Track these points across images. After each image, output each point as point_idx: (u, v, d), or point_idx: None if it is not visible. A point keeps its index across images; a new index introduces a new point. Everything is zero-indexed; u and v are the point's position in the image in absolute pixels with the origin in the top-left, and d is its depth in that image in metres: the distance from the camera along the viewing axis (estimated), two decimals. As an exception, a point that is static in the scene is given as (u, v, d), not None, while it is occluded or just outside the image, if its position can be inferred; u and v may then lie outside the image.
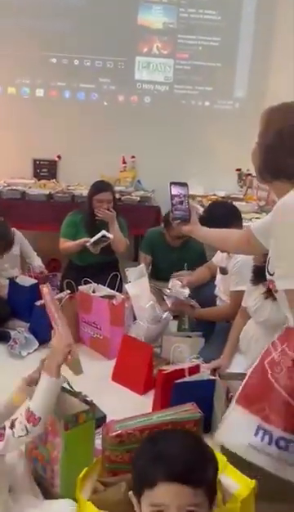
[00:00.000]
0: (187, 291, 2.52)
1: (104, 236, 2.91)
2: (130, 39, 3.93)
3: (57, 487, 1.50)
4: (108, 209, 2.97)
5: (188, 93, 4.07)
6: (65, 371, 1.66)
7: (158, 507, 0.87)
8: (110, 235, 2.91)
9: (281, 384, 1.37)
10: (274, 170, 1.19)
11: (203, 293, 2.66)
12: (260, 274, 1.94)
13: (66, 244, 3.01)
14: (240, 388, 1.45)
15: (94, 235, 2.92)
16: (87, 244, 2.92)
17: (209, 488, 0.90)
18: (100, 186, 3.04)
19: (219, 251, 2.55)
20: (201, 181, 4.01)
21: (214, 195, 3.96)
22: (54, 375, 1.35)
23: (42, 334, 2.66)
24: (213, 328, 2.53)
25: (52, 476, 1.52)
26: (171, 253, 3.01)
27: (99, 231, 2.93)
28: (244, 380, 1.45)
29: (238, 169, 4.03)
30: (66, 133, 3.85)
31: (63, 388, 1.60)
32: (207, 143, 4.02)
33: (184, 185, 1.66)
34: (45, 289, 1.55)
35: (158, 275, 3.07)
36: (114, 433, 1.26)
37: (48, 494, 1.52)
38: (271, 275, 1.25)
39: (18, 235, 3.14)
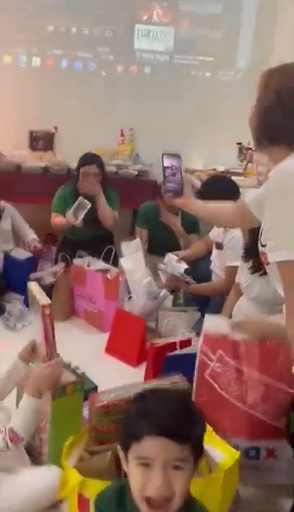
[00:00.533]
0: (183, 266, 2.50)
1: (81, 202, 2.85)
2: (129, 6, 3.79)
3: (45, 456, 1.52)
4: (93, 183, 2.91)
5: (188, 63, 3.95)
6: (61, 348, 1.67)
7: (144, 460, 0.88)
8: (87, 203, 2.83)
9: (233, 396, 1.39)
10: (272, 134, 1.14)
11: (199, 268, 2.64)
12: (251, 250, 1.92)
13: (56, 219, 2.98)
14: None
15: (78, 208, 2.87)
16: (68, 215, 2.85)
17: (195, 446, 0.91)
18: (86, 159, 2.99)
19: (215, 226, 2.52)
20: (200, 156, 3.94)
21: (213, 169, 3.88)
22: (36, 395, 1.36)
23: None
24: (207, 303, 2.53)
25: (40, 445, 1.54)
26: (166, 226, 2.98)
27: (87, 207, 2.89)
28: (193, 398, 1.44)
29: (239, 143, 3.95)
30: (63, 104, 3.75)
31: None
32: (207, 116, 3.93)
33: (177, 156, 1.61)
34: (46, 310, 1.40)
35: (155, 249, 3.04)
36: (100, 404, 1.27)
37: (37, 462, 1.54)
38: (263, 246, 1.23)
39: (9, 208, 3.08)
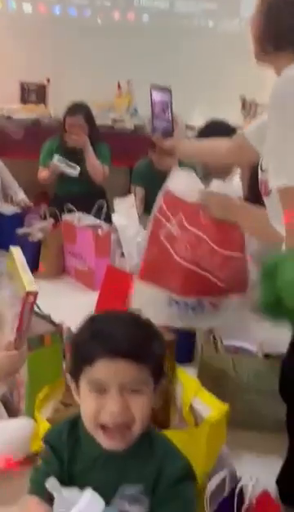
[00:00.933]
0: None
1: (59, 159, 2.74)
2: None
3: (23, 411, 1.43)
4: (79, 135, 2.76)
5: (190, 11, 3.69)
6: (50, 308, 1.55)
7: (97, 385, 0.78)
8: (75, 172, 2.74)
9: (188, 259, 1.33)
10: (277, 36, 1.02)
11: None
12: (250, 202, 1.80)
13: (42, 173, 2.84)
14: (140, 263, 1.41)
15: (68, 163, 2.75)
16: (54, 162, 2.74)
17: (154, 367, 0.81)
18: (71, 109, 2.82)
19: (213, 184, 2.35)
20: (202, 111, 3.72)
21: (215, 126, 3.69)
22: None
23: (26, 262, 2.55)
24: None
25: (18, 400, 1.45)
26: (162, 182, 2.82)
27: (72, 159, 2.76)
28: (143, 256, 1.40)
29: (242, 98, 3.73)
30: (56, 54, 3.53)
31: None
32: (209, 68, 3.70)
33: (166, 90, 1.45)
34: (30, 298, 1.22)
35: (149, 208, 2.90)
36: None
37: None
38: (263, 171, 1.12)
39: None
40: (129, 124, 3.41)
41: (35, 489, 0.85)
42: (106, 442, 0.80)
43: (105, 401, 0.78)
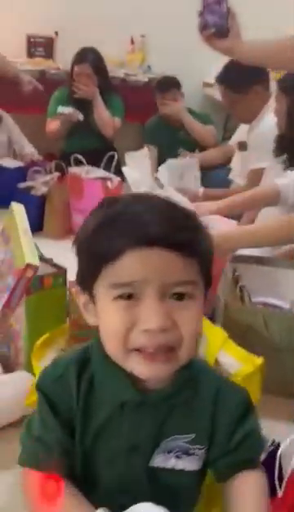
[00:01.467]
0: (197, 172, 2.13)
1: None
2: None
3: (21, 365, 1.25)
4: (87, 85, 2.56)
5: None
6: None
7: (125, 288, 0.54)
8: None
9: None
10: None
11: (212, 178, 2.28)
12: (285, 141, 1.59)
13: (50, 125, 2.65)
14: None
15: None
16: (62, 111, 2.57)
17: (204, 265, 0.58)
18: (78, 56, 2.63)
19: (241, 126, 2.13)
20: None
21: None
22: None
23: (29, 221, 2.36)
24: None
25: (16, 353, 1.27)
26: (175, 135, 2.64)
27: (81, 110, 2.56)
28: None
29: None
30: (65, 4, 3.29)
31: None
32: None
33: None
34: (30, 272, 1.03)
35: None
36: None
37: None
38: None
39: (6, 118, 2.75)
40: (142, 78, 3.17)
41: (34, 462, 0.61)
42: (145, 368, 0.56)
43: (139, 313, 0.55)
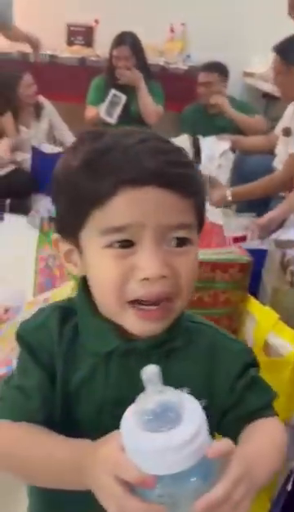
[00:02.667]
0: (226, 145, 2.07)
1: (115, 96, 2.47)
2: None
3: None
4: (128, 69, 2.53)
5: None
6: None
7: (119, 232, 0.48)
8: (122, 96, 2.47)
9: None
10: None
11: (256, 164, 2.21)
12: None
13: (90, 113, 2.63)
14: None
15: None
16: (100, 114, 2.51)
17: (199, 207, 0.53)
18: (118, 39, 2.59)
19: (286, 113, 2.06)
20: (265, 58, 3.39)
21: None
22: None
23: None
24: (266, 206, 2.13)
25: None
26: (214, 122, 2.58)
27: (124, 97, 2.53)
28: None
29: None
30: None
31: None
32: (275, 10, 3.33)
33: None
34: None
35: None
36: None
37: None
38: None
39: (48, 106, 2.78)
40: (182, 66, 3.13)
41: (11, 413, 0.55)
42: (137, 325, 0.51)
43: (135, 261, 0.49)
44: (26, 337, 0.57)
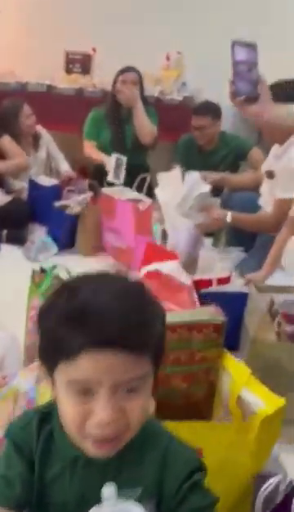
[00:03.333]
0: (206, 188, 2.15)
1: (118, 159, 2.60)
2: None
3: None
4: (132, 90, 2.69)
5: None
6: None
7: (81, 386, 0.57)
8: (123, 157, 2.60)
9: None
10: None
11: (240, 199, 2.29)
12: None
13: (89, 150, 2.74)
14: None
15: (118, 130, 2.61)
16: (108, 178, 2.62)
17: (156, 353, 0.62)
18: (124, 68, 2.74)
19: (270, 155, 2.13)
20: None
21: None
22: None
23: (61, 238, 2.45)
24: (253, 242, 2.21)
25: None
26: (206, 159, 2.66)
27: (121, 125, 2.64)
28: None
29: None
30: (103, 21, 3.37)
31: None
32: (277, 38, 3.41)
33: (252, 47, 1.24)
34: None
35: None
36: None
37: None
38: None
39: (45, 135, 2.87)
40: (177, 96, 3.22)
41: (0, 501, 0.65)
42: (93, 452, 0.61)
43: (92, 407, 0.58)
44: (13, 435, 0.68)
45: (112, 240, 2.44)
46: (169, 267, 1.59)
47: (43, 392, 1.09)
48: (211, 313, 1.13)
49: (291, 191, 1.80)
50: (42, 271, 1.41)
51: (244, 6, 3.37)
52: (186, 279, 1.44)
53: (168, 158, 3.28)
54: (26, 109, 2.69)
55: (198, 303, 1.43)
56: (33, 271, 1.42)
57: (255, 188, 2.32)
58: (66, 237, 2.45)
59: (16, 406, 1.07)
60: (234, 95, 1.22)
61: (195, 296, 1.45)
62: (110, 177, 2.64)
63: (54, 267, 1.39)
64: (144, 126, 2.67)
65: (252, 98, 1.22)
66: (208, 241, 2.44)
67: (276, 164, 2.03)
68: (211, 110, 2.65)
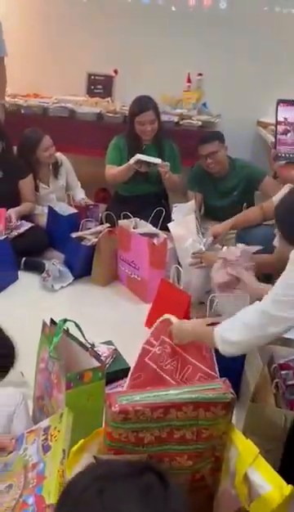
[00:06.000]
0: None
1: (154, 164, 2.55)
2: None
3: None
4: (152, 131, 2.64)
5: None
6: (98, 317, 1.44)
7: None
8: (159, 162, 2.54)
9: (167, 372, 1.45)
10: None
11: (254, 234, 2.25)
12: None
13: (112, 170, 2.69)
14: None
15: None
16: (133, 159, 2.53)
17: None
18: (140, 105, 2.64)
19: (281, 192, 2.08)
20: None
21: None
22: None
23: (77, 268, 2.46)
24: (269, 280, 2.16)
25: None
26: (219, 186, 2.62)
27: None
28: (127, 382, 1.45)
29: None
30: (126, 43, 3.36)
31: (73, 338, 1.38)
32: (288, 59, 3.37)
33: None
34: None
35: (212, 214, 2.69)
36: (117, 408, 1.00)
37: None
38: None
39: (65, 164, 2.89)
40: (196, 120, 3.18)
41: None
42: None
43: None
44: None
45: (127, 270, 2.44)
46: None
47: (50, 463, 1.09)
48: (221, 389, 1.10)
49: None
50: (53, 323, 1.41)
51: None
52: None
53: (185, 181, 3.27)
54: (45, 141, 2.69)
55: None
56: (44, 323, 1.42)
57: (263, 221, 2.27)
58: (82, 266, 2.46)
59: (27, 482, 1.07)
60: (275, 158, 1.18)
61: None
62: (134, 161, 2.52)
63: (64, 320, 1.39)
64: (173, 183, 2.68)
65: (292, 163, 1.17)
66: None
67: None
68: (216, 136, 2.63)
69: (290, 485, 1.02)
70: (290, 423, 1.34)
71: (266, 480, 1.05)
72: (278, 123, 1.16)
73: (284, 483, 1.03)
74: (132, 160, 2.52)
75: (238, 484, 1.10)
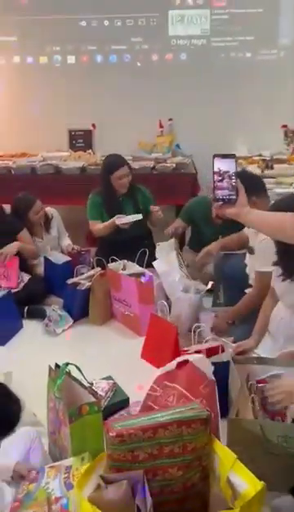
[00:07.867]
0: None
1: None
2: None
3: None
4: (128, 182, 2.90)
5: (227, 45, 3.74)
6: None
7: None
8: (140, 217, 2.84)
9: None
10: None
11: (231, 264, 2.51)
12: (283, 255, 1.79)
13: (96, 226, 2.96)
14: None
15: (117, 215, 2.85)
16: (119, 223, 2.82)
17: None
18: (116, 162, 2.91)
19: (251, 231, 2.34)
20: (244, 142, 3.75)
21: (259, 155, 3.69)
22: None
23: (76, 311, 2.70)
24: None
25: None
26: (213, 228, 2.85)
27: (121, 211, 2.88)
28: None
29: (284, 126, 3.70)
30: (100, 100, 3.72)
31: (74, 379, 1.61)
32: (250, 99, 3.71)
33: (230, 157, 1.40)
34: None
35: (197, 245, 2.91)
36: (114, 433, 1.24)
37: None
38: None
39: (55, 215, 3.15)
40: (169, 163, 3.49)
41: None
42: None
43: None
44: None
45: (120, 308, 2.68)
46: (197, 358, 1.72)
47: (74, 499, 1.30)
48: (198, 408, 1.33)
49: (268, 266, 1.96)
50: (57, 366, 1.64)
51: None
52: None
53: (169, 219, 3.54)
54: (37, 205, 2.94)
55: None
56: (50, 368, 1.65)
57: (240, 248, 2.52)
58: (80, 309, 2.70)
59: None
60: (215, 200, 1.42)
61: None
62: (121, 223, 2.81)
63: (66, 364, 1.62)
64: (159, 220, 2.97)
65: (231, 202, 1.40)
66: (207, 300, 2.66)
67: (254, 240, 2.23)
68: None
69: (262, 481, 1.24)
70: (266, 431, 1.54)
71: (244, 480, 1.27)
72: (214, 172, 1.42)
73: (258, 481, 1.25)
74: (117, 222, 2.81)
75: (223, 487, 1.32)
